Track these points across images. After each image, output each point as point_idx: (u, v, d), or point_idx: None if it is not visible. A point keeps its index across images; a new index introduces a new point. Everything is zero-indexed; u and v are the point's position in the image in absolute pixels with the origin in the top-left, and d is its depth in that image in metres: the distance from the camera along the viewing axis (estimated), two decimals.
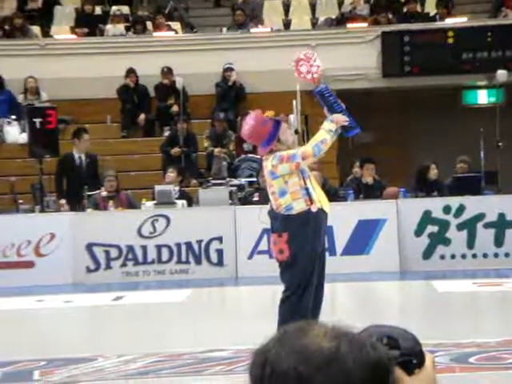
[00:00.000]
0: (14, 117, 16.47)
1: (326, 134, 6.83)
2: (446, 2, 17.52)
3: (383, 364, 1.40)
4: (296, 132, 7.49)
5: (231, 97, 16.54)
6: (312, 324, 1.41)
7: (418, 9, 17.78)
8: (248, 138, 7.21)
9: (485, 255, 12.39)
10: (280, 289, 6.91)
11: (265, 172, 6.95)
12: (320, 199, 6.82)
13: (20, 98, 16.66)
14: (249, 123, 6.87)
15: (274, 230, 6.90)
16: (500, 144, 14.03)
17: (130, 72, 16.47)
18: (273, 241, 6.95)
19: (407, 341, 1.53)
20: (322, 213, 6.79)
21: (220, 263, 12.53)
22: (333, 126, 6.85)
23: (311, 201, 6.75)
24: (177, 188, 13.40)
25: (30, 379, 6.79)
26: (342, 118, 6.88)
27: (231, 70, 16.52)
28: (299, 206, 6.74)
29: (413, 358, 1.52)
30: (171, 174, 13.65)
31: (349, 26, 17.19)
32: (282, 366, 1.35)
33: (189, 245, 12.52)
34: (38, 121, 13.45)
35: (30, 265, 12.50)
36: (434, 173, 13.28)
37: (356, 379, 1.36)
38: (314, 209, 6.74)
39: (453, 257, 12.42)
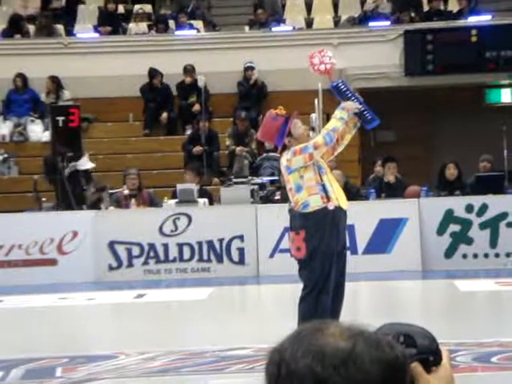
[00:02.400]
0: (37, 115, 16.57)
1: (337, 121, 6.83)
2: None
3: (400, 362, 1.40)
4: (312, 129, 7.48)
5: (253, 96, 16.54)
6: (328, 323, 1.41)
7: (441, 7, 17.70)
8: (261, 138, 7.28)
9: (508, 254, 12.32)
10: (301, 287, 6.91)
11: (282, 169, 6.98)
12: (338, 197, 6.81)
13: (43, 97, 16.75)
14: (262, 124, 7.03)
15: (292, 228, 6.91)
16: None
17: (156, 72, 16.50)
18: (291, 238, 6.97)
19: (424, 339, 1.52)
20: (339, 210, 6.78)
21: (241, 262, 12.54)
22: (344, 113, 6.84)
23: (328, 198, 6.74)
24: (197, 187, 13.41)
25: (53, 376, 6.83)
26: (353, 105, 6.86)
27: (252, 69, 16.52)
28: (315, 203, 6.72)
29: (430, 356, 1.52)
30: (188, 176, 13.63)
31: (371, 24, 17.14)
32: (297, 366, 1.35)
33: (210, 243, 12.54)
34: (61, 119, 13.51)
35: (52, 262, 12.56)
36: (450, 172, 13.17)
37: (372, 378, 1.35)
38: (330, 206, 6.73)
39: (475, 256, 12.36)
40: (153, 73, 16.51)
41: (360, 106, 6.90)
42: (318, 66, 7.23)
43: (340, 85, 7.04)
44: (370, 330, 1.42)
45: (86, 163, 13.70)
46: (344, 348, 1.36)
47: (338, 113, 6.89)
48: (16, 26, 17.49)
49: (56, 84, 16.64)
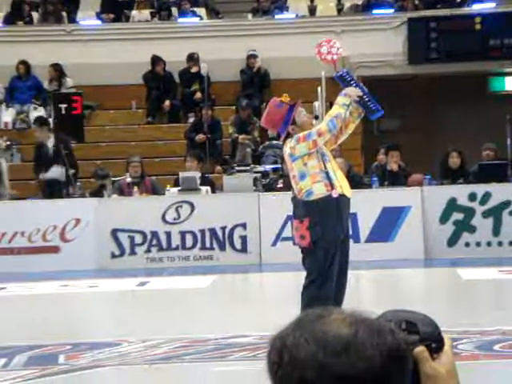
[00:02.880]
0: (39, 102, 16.55)
1: (340, 108, 6.81)
2: None
3: (402, 349, 1.39)
4: (316, 118, 7.44)
5: (256, 83, 16.51)
6: (330, 310, 1.41)
7: None
8: (265, 125, 7.28)
9: (510, 243, 12.31)
10: (303, 275, 6.91)
11: (285, 157, 6.96)
12: (341, 184, 6.79)
13: (45, 84, 16.74)
14: (266, 111, 7.01)
15: (295, 216, 6.90)
16: None
17: (158, 59, 16.47)
18: (295, 227, 6.96)
19: (426, 325, 1.52)
20: (343, 198, 6.76)
21: (244, 250, 12.54)
22: (346, 99, 6.82)
23: (332, 185, 6.72)
24: (198, 174, 13.40)
25: (56, 363, 6.84)
26: (355, 91, 6.84)
27: (255, 56, 16.48)
28: (319, 191, 6.70)
29: (432, 343, 1.51)
30: (190, 162, 13.61)
31: (374, 12, 17.10)
32: (300, 353, 1.35)
33: (213, 231, 12.54)
34: (63, 106, 13.50)
35: (55, 250, 12.57)
36: (453, 161, 13.15)
37: (374, 365, 1.35)
38: (334, 194, 6.72)
39: (478, 244, 12.35)
40: (155, 60, 16.48)
41: (363, 93, 6.87)
42: (324, 56, 7.23)
43: (344, 75, 7.03)
44: (372, 316, 1.41)
45: None
46: (346, 334, 1.36)
47: (340, 99, 6.86)
48: (18, 11, 17.46)
49: (58, 72, 16.62)
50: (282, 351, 1.37)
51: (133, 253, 12.61)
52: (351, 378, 1.34)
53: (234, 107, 16.31)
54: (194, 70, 16.45)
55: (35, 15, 17.71)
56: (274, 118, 6.92)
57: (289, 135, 6.88)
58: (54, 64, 16.51)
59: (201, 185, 13.03)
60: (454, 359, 1.54)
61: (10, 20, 17.51)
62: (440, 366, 1.50)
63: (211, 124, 15.57)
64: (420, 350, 1.48)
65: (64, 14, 17.63)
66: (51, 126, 14.00)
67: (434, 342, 1.52)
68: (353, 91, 6.83)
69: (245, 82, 16.56)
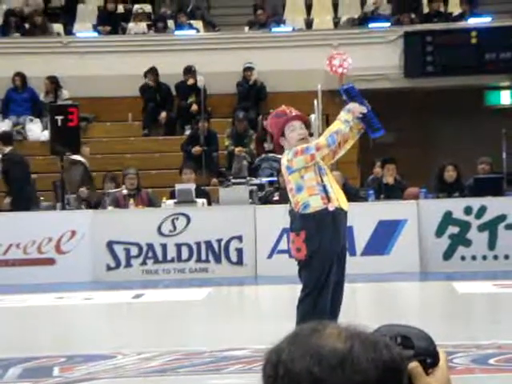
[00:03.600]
0: (35, 115, 16.56)
1: (341, 124, 6.79)
2: (470, 1, 17.43)
3: (397, 364, 1.39)
4: (311, 135, 7.42)
5: (252, 96, 16.54)
6: (325, 324, 1.40)
7: (442, 8, 17.70)
8: (268, 129, 7.37)
9: (506, 257, 12.32)
10: (299, 288, 6.90)
11: (282, 169, 6.96)
12: (338, 197, 6.79)
13: (41, 96, 16.75)
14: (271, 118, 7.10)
15: (292, 229, 6.90)
16: None
17: (150, 71, 16.48)
18: (291, 239, 6.96)
19: (421, 340, 1.51)
20: (339, 212, 6.76)
21: (240, 262, 12.53)
22: (349, 116, 6.81)
23: (328, 199, 6.72)
24: (194, 186, 13.38)
25: (50, 375, 6.82)
26: (358, 108, 6.83)
27: (251, 69, 16.51)
28: (316, 204, 6.70)
29: (427, 358, 1.51)
30: (189, 175, 13.59)
31: (371, 25, 17.15)
32: (295, 367, 1.35)
33: (209, 243, 12.53)
34: (59, 118, 13.50)
35: (50, 262, 12.55)
36: (449, 174, 13.17)
37: (369, 379, 1.35)
38: (331, 207, 6.71)
39: (474, 258, 12.36)
40: (146, 72, 16.48)
41: (366, 111, 6.84)
42: (336, 68, 7.28)
43: (350, 89, 7.01)
44: (367, 331, 1.41)
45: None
46: (341, 349, 1.36)
47: (343, 115, 6.84)
48: (9, 22, 17.48)
49: (54, 84, 16.63)
50: (278, 365, 1.36)
51: (128, 265, 12.60)
52: None
53: (230, 119, 16.33)
54: (190, 82, 16.47)
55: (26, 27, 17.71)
56: (271, 126, 6.98)
57: (281, 147, 6.91)
58: (50, 76, 16.53)
59: (197, 197, 13.03)
60: (449, 374, 1.53)
61: (3, 31, 17.54)
62: (434, 382, 1.50)
63: (207, 136, 15.59)
64: (413, 365, 1.48)
65: (58, 26, 17.65)
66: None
67: (429, 356, 1.51)
68: (356, 108, 6.81)
69: (241, 94, 16.59)
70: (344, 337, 1.37)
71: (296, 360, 1.35)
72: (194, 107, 16.27)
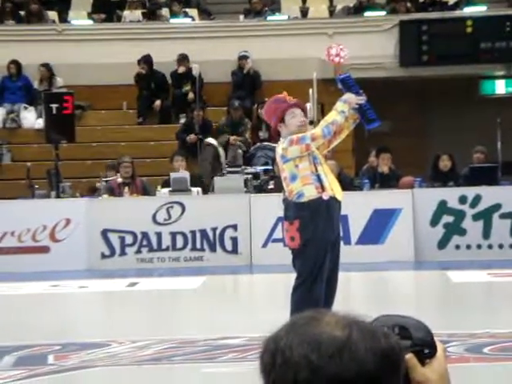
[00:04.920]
0: (29, 103, 16.51)
1: (337, 114, 6.79)
2: None
3: (395, 352, 1.39)
4: (311, 122, 7.40)
5: (247, 85, 16.51)
6: (323, 313, 1.40)
7: None
8: (264, 116, 7.34)
9: (500, 246, 12.34)
10: (294, 277, 6.91)
11: (277, 157, 6.95)
12: (332, 187, 6.79)
13: (36, 84, 16.70)
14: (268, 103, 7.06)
15: (286, 218, 6.90)
16: None
17: (142, 59, 16.41)
18: (285, 228, 6.96)
19: (419, 331, 1.51)
20: (334, 201, 6.76)
21: (234, 251, 12.54)
22: (345, 106, 6.81)
23: (322, 188, 6.72)
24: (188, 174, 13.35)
25: (45, 363, 6.82)
26: (355, 99, 6.82)
27: (246, 58, 16.47)
28: (310, 193, 6.70)
29: (424, 348, 1.51)
30: (180, 162, 13.58)
31: (366, 14, 17.11)
32: (293, 355, 1.35)
33: (203, 232, 12.53)
34: (54, 106, 13.47)
35: (45, 250, 12.54)
36: (444, 164, 13.19)
37: (368, 367, 1.35)
38: (325, 196, 6.71)
39: (468, 247, 12.38)
40: (139, 60, 16.42)
41: (362, 101, 6.84)
42: (333, 57, 7.30)
43: (347, 79, 7.00)
44: (365, 320, 1.41)
45: None
46: (339, 337, 1.36)
47: (339, 105, 6.84)
48: (4, 9, 17.41)
49: (49, 71, 16.58)
50: (276, 353, 1.36)
51: (123, 253, 12.59)
52: (344, 381, 1.34)
53: (225, 108, 16.30)
54: (181, 70, 16.42)
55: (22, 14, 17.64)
56: (269, 112, 6.96)
57: (279, 134, 6.90)
58: (45, 64, 16.47)
59: (191, 185, 13.01)
60: (446, 365, 1.53)
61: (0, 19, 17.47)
62: (431, 372, 1.50)
63: (202, 125, 15.56)
64: (408, 357, 1.48)
65: (52, 13, 17.59)
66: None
67: (427, 347, 1.51)
68: (353, 98, 6.81)
69: (236, 83, 16.56)
70: (342, 325, 1.37)
71: (294, 348, 1.35)
72: (191, 95, 16.23)
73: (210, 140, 14.70)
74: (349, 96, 6.84)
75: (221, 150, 14.74)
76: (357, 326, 1.38)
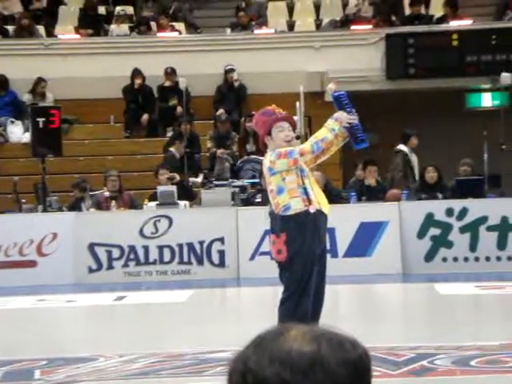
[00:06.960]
0: (16, 117, 16.47)
1: (327, 132, 6.81)
2: (452, 4, 17.49)
3: (363, 362, 1.39)
4: (297, 137, 7.38)
5: (233, 98, 16.53)
6: (288, 327, 1.39)
7: (423, 11, 17.76)
8: (254, 127, 7.35)
9: (487, 258, 12.37)
10: (281, 290, 6.90)
11: (264, 169, 6.95)
12: (319, 200, 6.79)
13: (25, 98, 16.66)
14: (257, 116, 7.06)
15: (272, 231, 6.90)
16: (503, 147, 14.01)
17: (138, 73, 16.43)
18: (272, 241, 6.96)
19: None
20: (320, 214, 6.77)
21: (222, 264, 12.52)
22: (336, 124, 6.82)
23: (309, 201, 6.73)
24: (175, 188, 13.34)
25: (31, 378, 6.79)
26: (346, 118, 6.84)
27: (232, 71, 16.50)
28: (296, 206, 6.71)
29: None
30: (162, 175, 13.58)
31: (353, 27, 17.18)
32: (264, 374, 1.33)
33: (191, 245, 12.52)
34: (41, 120, 13.46)
35: (32, 264, 12.50)
36: (430, 176, 13.24)
37: (340, 379, 1.34)
38: (312, 209, 6.72)
39: (455, 259, 12.40)
40: (135, 73, 16.45)
41: (354, 121, 6.85)
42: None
43: (341, 97, 7.01)
44: (331, 331, 1.40)
45: None
46: (309, 352, 1.34)
47: (330, 123, 6.86)
48: None
49: (43, 85, 16.55)
50: (246, 373, 1.34)
51: (110, 267, 12.56)
52: None
53: (212, 121, 16.31)
54: (167, 84, 16.44)
55: (12, 29, 17.63)
56: (257, 125, 6.97)
57: (266, 146, 6.90)
58: (43, 79, 16.43)
59: (179, 197, 13.00)
60: None
61: None
62: None
63: (190, 138, 15.56)
64: None
65: (39, 28, 17.58)
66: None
67: None
68: (344, 117, 6.83)
69: (221, 96, 16.57)
70: (309, 338, 1.36)
71: (265, 367, 1.33)
72: (179, 109, 16.23)
73: (401, 147, 14.52)
74: (340, 114, 6.85)
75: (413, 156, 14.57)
76: (324, 337, 1.36)
